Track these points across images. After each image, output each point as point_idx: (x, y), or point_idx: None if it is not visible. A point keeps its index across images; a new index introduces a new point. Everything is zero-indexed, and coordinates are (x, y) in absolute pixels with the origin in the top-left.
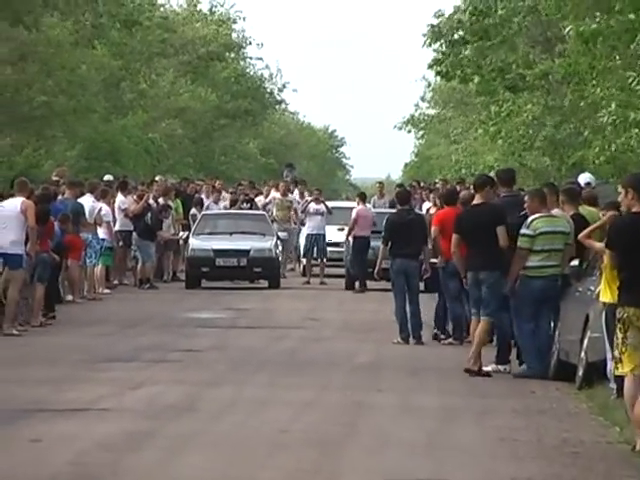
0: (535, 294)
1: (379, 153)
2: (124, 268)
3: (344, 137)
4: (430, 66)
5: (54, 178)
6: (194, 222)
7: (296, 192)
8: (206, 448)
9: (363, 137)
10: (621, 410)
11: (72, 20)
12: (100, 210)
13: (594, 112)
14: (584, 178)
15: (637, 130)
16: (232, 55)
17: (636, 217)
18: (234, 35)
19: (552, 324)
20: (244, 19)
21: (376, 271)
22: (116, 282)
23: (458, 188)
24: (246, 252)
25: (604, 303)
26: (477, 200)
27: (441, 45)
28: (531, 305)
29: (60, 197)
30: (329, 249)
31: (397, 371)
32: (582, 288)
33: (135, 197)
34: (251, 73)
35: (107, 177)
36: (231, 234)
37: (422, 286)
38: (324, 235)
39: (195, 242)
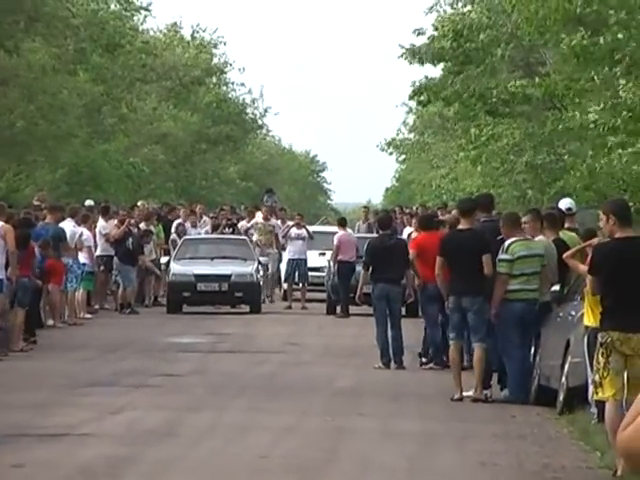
0: (517, 317)
1: (360, 178)
2: (105, 293)
3: (325, 162)
4: (411, 97)
5: (35, 203)
6: (174, 247)
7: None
8: (186, 473)
9: (344, 162)
10: (602, 435)
11: (54, 45)
12: (81, 235)
13: (574, 137)
14: (565, 203)
15: (619, 151)
16: (214, 80)
17: (619, 243)
18: (215, 60)
19: (532, 349)
20: (225, 44)
21: (357, 295)
22: (97, 307)
23: (440, 213)
24: (227, 277)
25: (586, 327)
26: (463, 225)
27: (419, 63)
28: (515, 328)
29: (41, 222)
30: (310, 274)
31: (378, 396)
32: (563, 313)
33: (116, 222)
34: (233, 98)
35: (88, 202)
36: (212, 259)
37: (404, 311)
38: (305, 260)
39: (176, 267)
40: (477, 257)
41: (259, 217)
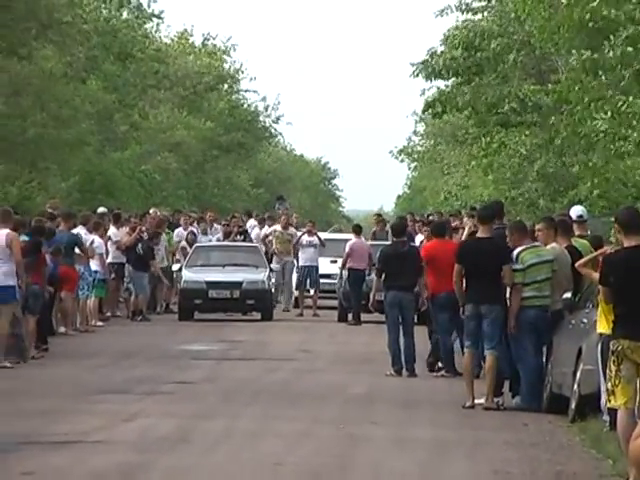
0: (530, 324)
1: (372, 185)
2: (117, 300)
3: (337, 169)
4: (424, 110)
5: (49, 210)
6: (183, 255)
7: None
8: None
9: (356, 169)
10: (614, 443)
11: (66, 52)
12: (93, 242)
13: (587, 147)
14: (576, 211)
15: (629, 161)
16: (225, 87)
17: (627, 252)
18: (227, 66)
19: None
20: (234, 49)
21: (370, 303)
22: (109, 314)
23: (452, 220)
24: (239, 284)
25: (600, 334)
26: (482, 233)
27: (430, 79)
28: (529, 335)
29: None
30: (322, 281)
31: (390, 403)
32: (575, 320)
33: (128, 229)
34: (245, 106)
35: (101, 209)
36: (224, 266)
37: (416, 318)
38: (317, 267)
39: (188, 274)
40: (497, 266)
41: (277, 225)
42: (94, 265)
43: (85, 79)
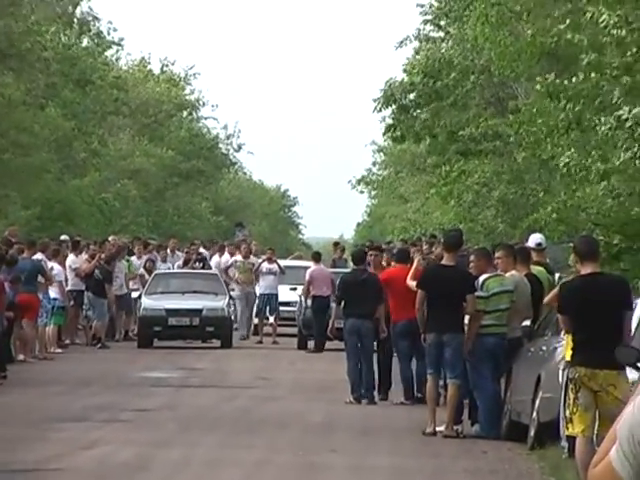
0: (489, 352)
1: (331, 213)
2: (76, 327)
3: (297, 197)
4: (384, 133)
5: (9, 238)
6: (142, 282)
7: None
8: None
9: (315, 197)
10: (573, 471)
11: (25, 79)
12: (52, 269)
13: (547, 172)
14: (535, 239)
15: (589, 188)
16: (185, 114)
17: (584, 280)
18: (188, 94)
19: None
20: (195, 77)
21: (329, 330)
22: (68, 341)
23: (412, 249)
24: (198, 311)
25: (567, 362)
26: (447, 261)
27: (393, 110)
28: (487, 363)
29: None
30: (281, 308)
31: (349, 431)
32: (534, 348)
33: (87, 256)
34: (205, 133)
35: (63, 237)
36: (183, 293)
37: (375, 346)
38: (277, 295)
39: (147, 301)
40: (460, 295)
41: (238, 255)
42: (53, 292)
43: (44, 106)
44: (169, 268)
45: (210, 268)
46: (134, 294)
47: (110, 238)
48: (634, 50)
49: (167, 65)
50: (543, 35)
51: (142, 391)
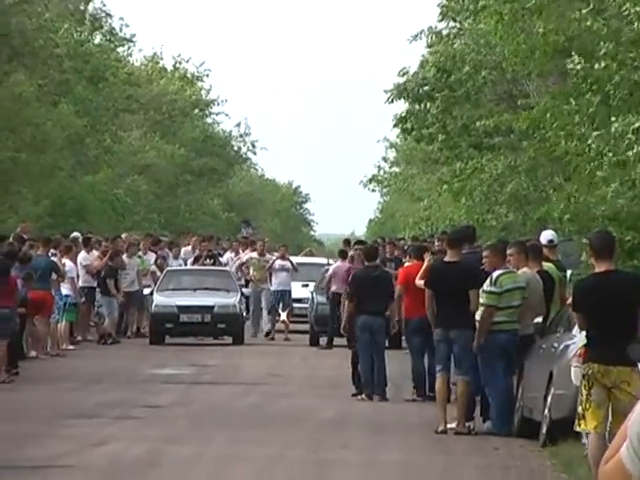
0: (501, 349)
1: (343, 209)
2: (87, 324)
3: (308, 193)
4: (395, 125)
5: (22, 235)
6: (153, 279)
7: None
8: None
9: (327, 194)
10: (585, 467)
11: (38, 76)
12: (64, 266)
13: (558, 168)
14: (546, 236)
15: (604, 187)
16: (198, 112)
17: (597, 278)
18: (202, 93)
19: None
20: (208, 76)
21: (342, 326)
22: (80, 338)
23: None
24: (210, 308)
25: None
26: (450, 257)
27: (405, 101)
28: (499, 360)
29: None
30: (293, 305)
31: (361, 428)
32: (546, 345)
33: (99, 253)
34: (217, 130)
35: (75, 234)
36: (195, 290)
37: (387, 342)
38: (290, 291)
39: (159, 298)
40: (465, 290)
41: (254, 253)
42: (65, 289)
43: (57, 103)
44: (180, 265)
45: (220, 264)
46: (146, 290)
47: (122, 236)
48: None
49: (180, 62)
50: (557, 33)
51: (153, 388)
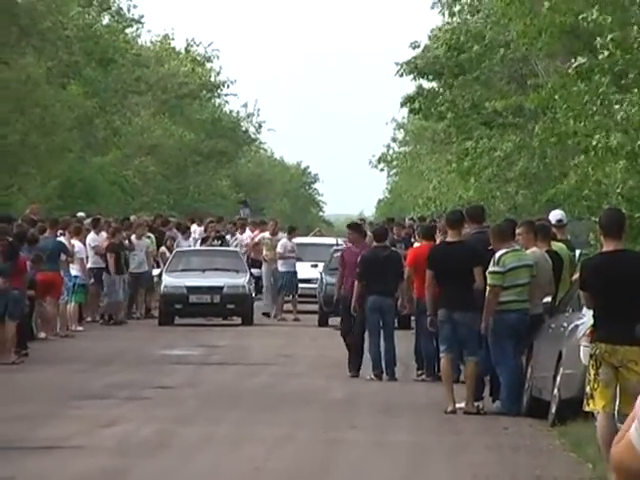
0: (511, 329)
1: (352, 190)
2: (97, 305)
3: (317, 174)
4: (403, 104)
5: (31, 216)
6: (163, 260)
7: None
8: None
9: (336, 174)
10: (594, 446)
11: (47, 58)
12: (73, 247)
13: (568, 148)
14: (555, 215)
15: (619, 162)
16: (206, 94)
17: (605, 257)
18: (211, 74)
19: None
20: (218, 57)
21: (352, 307)
22: (89, 319)
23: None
24: (219, 289)
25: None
26: (451, 237)
27: (415, 77)
28: (509, 340)
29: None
30: (302, 285)
31: (370, 408)
32: (555, 324)
33: (108, 234)
34: (226, 111)
35: (80, 214)
36: (204, 271)
37: (396, 323)
38: (296, 272)
39: (168, 279)
40: (468, 270)
41: (266, 233)
42: (74, 270)
43: (65, 84)
44: (190, 246)
45: (228, 245)
46: (155, 271)
47: (132, 217)
48: None
49: (192, 45)
50: (565, 13)
51: (163, 368)
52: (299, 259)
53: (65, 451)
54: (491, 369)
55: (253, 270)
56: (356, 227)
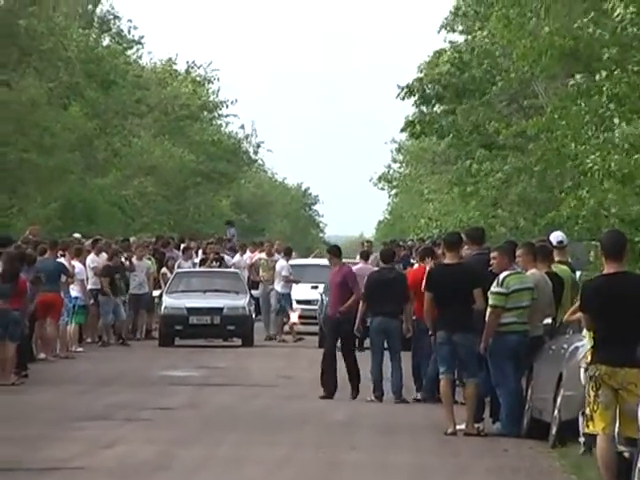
0: (511, 350)
1: (352, 211)
2: (97, 326)
3: (317, 195)
4: (403, 129)
5: (30, 237)
6: (164, 281)
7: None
8: None
9: (336, 195)
10: (594, 468)
11: (47, 79)
12: (73, 268)
13: (569, 171)
14: (556, 237)
15: (612, 195)
16: (207, 115)
17: (606, 279)
18: (211, 94)
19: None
20: (218, 79)
21: (356, 327)
22: (89, 340)
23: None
24: (219, 310)
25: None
26: (450, 259)
27: (416, 102)
28: (509, 361)
29: (40, 257)
30: (302, 307)
31: (370, 429)
32: (555, 346)
33: (108, 256)
34: (226, 131)
35: (76, 235)
36: (204, 292)
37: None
38: (289, 293)
39: (168, 300)
40: (467, 291)
41: (262, 253)
42: (74, 291)
43: (66, 106)
44: (190, 267)
45: (227, 267)
46: (155, 292)
47: (132, 239)
48: None
49: (193, 67)
50: (563, 34)
51: (163, 390)
52: (299, 281)
53: (65, 472)
54: (491, 390)
55: (252, 291)
56: (334, 251)
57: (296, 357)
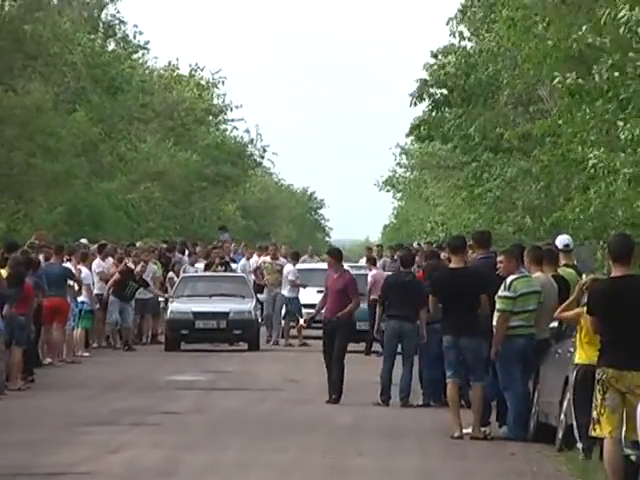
0: (519, 353)
1: (358, 215)
2: (103, 331)
3: (323, 199)
4: (409, 134)
5: (37, 242)
6: (171, 286)
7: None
8: None
9: (342, 199)
10: (601, 472)
11: (53, 83)
12: (80, 273)
13: (573, 173)
14: (562, 240)
15: (623, 183)
16: (212, 119)
17: (613, 282)
18: (215, 99)
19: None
20: (223, 83)
21: (375, 330)
22: (95, 345)
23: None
24: (225, 314)
25: (576, 364)
26: (455, 263)
27: (427, 107)
28: (517, 364)
29: (45, 262)
30: (309, 311)
31: (377, 433)
32: (561, 349)
33: (114, 261)
34: (232, 135)
35: (83, 241)
36: (210, 296)
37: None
38: (297, 297)
39: (175, 305)
40: (473, 295)
41: (267, 257)
42: (81, 296)
43: (72, 110)
44: (196, 271)
45: (232, 271)
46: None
47: (137, 244)
48: None
49: (196, 70)
50: (566, 38)
51: (170, 394)
52: (305, 285)
53: (72, 477)
54: (498, 394)
55: (258, 295)
56: (335, 254)
57: (302, 361)
